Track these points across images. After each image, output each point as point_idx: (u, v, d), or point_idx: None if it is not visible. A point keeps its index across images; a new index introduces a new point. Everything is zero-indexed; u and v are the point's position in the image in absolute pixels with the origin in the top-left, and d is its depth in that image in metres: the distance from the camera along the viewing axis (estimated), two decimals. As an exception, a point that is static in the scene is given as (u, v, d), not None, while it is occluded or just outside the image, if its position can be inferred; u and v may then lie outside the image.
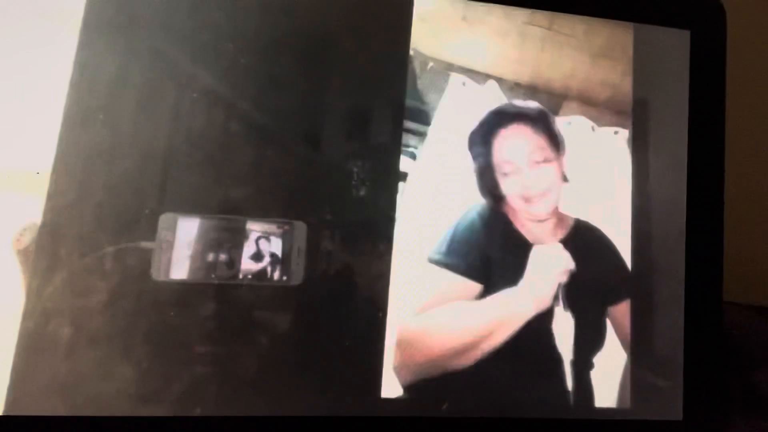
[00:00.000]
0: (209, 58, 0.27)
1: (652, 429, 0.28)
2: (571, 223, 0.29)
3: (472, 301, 0.27)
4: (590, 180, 0.29)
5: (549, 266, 0.27)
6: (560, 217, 0.29)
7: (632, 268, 0.29)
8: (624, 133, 0.30)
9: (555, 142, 0.29)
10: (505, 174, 0.28)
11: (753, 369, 0.34)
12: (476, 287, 0.27)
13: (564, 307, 0.27)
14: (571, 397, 0.27)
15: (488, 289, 0.27)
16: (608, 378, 0.28)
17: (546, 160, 0.29)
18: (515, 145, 0.29)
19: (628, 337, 0.28)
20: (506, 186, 0.28)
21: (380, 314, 0.26)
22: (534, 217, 0.28)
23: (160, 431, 0.24)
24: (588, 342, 0.27)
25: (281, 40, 0.27)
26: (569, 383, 0.27)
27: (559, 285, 0.27)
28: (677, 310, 0.29)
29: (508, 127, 0.29)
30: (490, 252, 0.27)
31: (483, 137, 0.28)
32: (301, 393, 0.25)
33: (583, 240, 0.29)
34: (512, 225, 0.28)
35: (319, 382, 0.26)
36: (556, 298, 0.27)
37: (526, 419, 0.27)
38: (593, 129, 0.30)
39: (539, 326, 0.27)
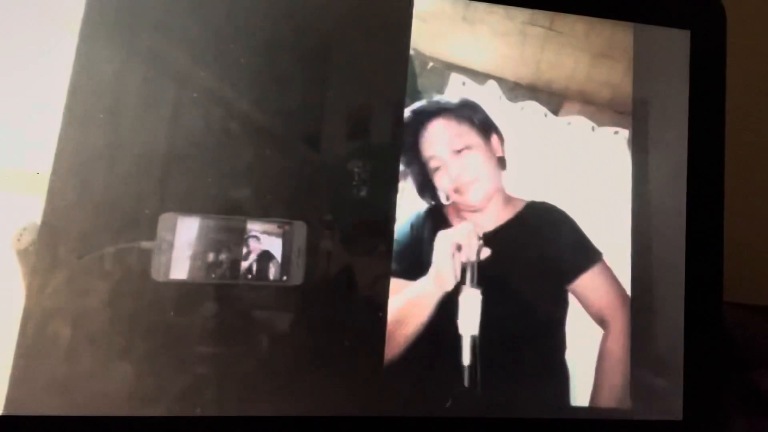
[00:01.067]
0: (209, 58, 0.27)
1: (652, 429, 0.28)
2: (521, 205, 0.29)
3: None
4: (590, 180, 0.29)
5: (443, 246, 0.27)
6: (508, 201, 0.29)
7: (632, 268, 0.29)
8: (624, 133, 0.30)
9: (479, 129, 0.29)
10: (434, 170, 0.28)
11: (753, 369, 0.34)
12: (409, 284, 0.27)
13: (472, 284, 0.27)
14: (466, 373, 0.27)
15: None
16: (586, 363, 0.28)
17: (467, 147, 0.28)
18: (435, 139, 0.28)
19: (598, 312, 0.28)
20: (437, 182, 0.28)
21: (380, 314, 0.26)
22: (469, 206, 0.28)
23: (160, 431, 0.24)
24: (511, 319, 0.27)
25: (281, 40, 0.27)
26: (466, 358, 0.27)
27: (468, 263, 0.27)
28: (677, 310, 0.29)
29: (428, 124, 0.28)
30: (422, 251, 0.27)
31: (408, 141, 0.28)
32: (301, 393, 0.25)
33: (531, 220, 0.28)
34: (446, 221, 0.28)
35: (319, 382, 0.26)
36: (463, 277, 0.27)
37: (526, 419, 0.27)
38: (593, 129, 0.30)
39: (449, 307, 0.27)
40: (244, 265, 0.26)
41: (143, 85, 0.26)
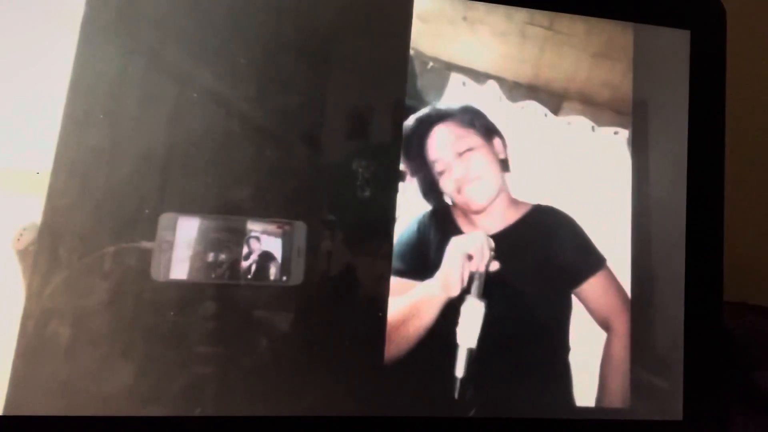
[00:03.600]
0: (209, 58, 0.27)
1: (652, 429, 0.28)
2: (526, 209, 0.29)
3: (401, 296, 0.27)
4: (590, 180, 0.29)
5: (455, 253, 0.28)
6: (512, 204, 0.29)
7: (632, 268, 0.29)
8: (624, 133, 0.30)
9: (481, 132, 0.29)
10: (440, 173, 0.28)
11: (753, 369, 0.34)
12: (415, 285, 0.27)
13: (477, 295, 0.27)
14: (457, 386, 0.27)
15: None
16: (593, 370, 0.28)
17: (470, 149, 0.29)
18: (439, 144, 0.29)
19: (603, 316, 0.28)
20: (443, 185, 0.28)
21: (380, 314, 0.26)
22: (471, 207, 0.28)
23: (160, 431, 0.24)
24: (509, 333, 0.27)
25: (281, 40, 0.27)
26: (459, 371, 0.27)
27: (476, 273, 0.27)
28: (677, 310, 0.29)
29: (431, 130, 0.29)
30: (429, 252, 0.27)
31: (414, 147, 0.28)
32: (301, 393, 0.25)
33: (536, 224, 0.28)
34: (453, 223, 0.28)
35: (319, 382, 0.26)
36: (469, 287, 0.27)
37: (526, 419, 0.27)
38: (593, 129, 0.30)
39: (450, 314, 0.27)
40: (244, 265, 0.26)
41: (143, 85, 0.26)
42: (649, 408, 0.28)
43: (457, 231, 0.28)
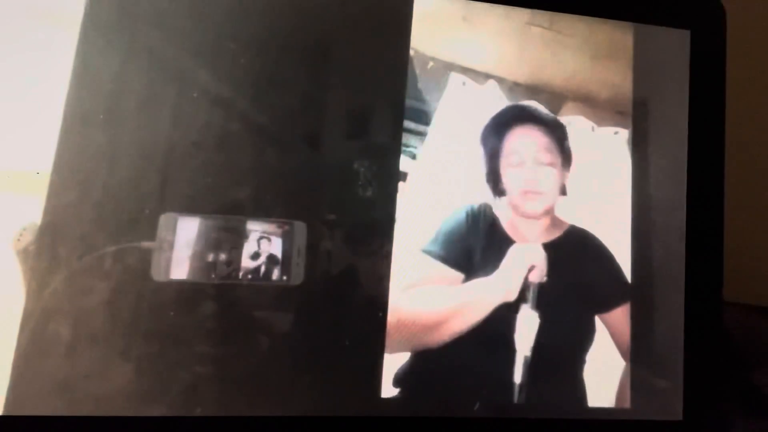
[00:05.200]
0: (209, 58, 0.27)
1: (652, 429, 0.28)
2: (565, 228, 0.29)
3: (449, 286, 0.28)
4: (590, 180, 0.29)
5: (519, 261, 0.28)
6: (555, 222, 0.29)
7: (632, 268, 0.29)
8: (624, 133, 0.30)
9: (563, 154, 0.29)
10: (510, 165, 0.29)
11: (753, 369, 0.34)
12: (458, 276, 0.28)
13: (532, 306, 0.28)
14: (516, 391, 0.27)
15: (468, 279, 0.28)
16: (604, 381, 0.28)
17: (551, 164, 0.29)
18: (526, 141, 0.29)
19: (626, 345, 0.28)
20: (508, 178, 0.29)
21: (380, 314, 0.26)
22: (526, 213, 0.29)
23: (160, 431, 0.24)
24: (555, 343, 0.28)
25: (281, 39, 0.27)
26: (517, 377, 0.27)
27: (532, 284, 0.28)
28: (677, 310, 0.29)
29: (525, 124, 0.29)
30: (475, 246, 0.28)
31: (497, 128, 0.29)
32: (301, 393, 0.25)
33: (574, 245, 0.29)
34: (499, 224, 0.28)
35: (319, 382, 0.26)
36: (525, 296, 0.28)
37: (527, 419, 0.27)
38: (593, 129, 0.30)
39: (504, 318, 0.28)
40: (245, 265, 0.26)
41: (143, 85, 0.26)
42: (649, 408, 0.28)
43: (504, 236, 0.28)
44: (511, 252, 0.28)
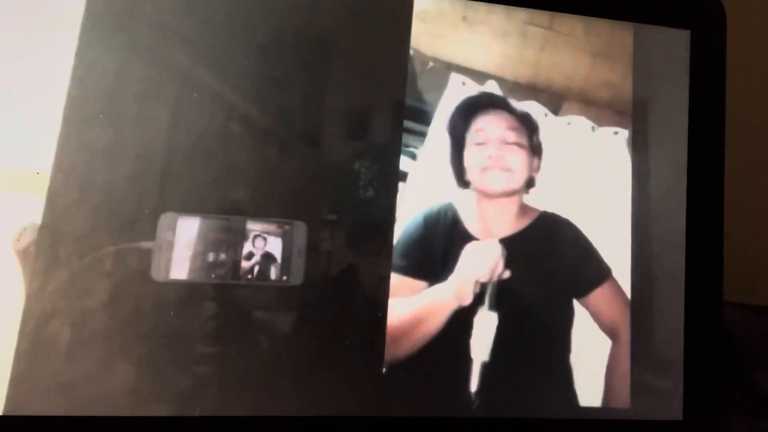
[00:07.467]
0: (209, 58, 0.27)
1: (652, 429, 0.28)
2: (534, 215, 0.29)
3: (408, 297, 0.27)
4: (590, 180, 0.29)
5: (474, 263, 0.27)
6: (524, 210, 0.29)
7: (632, 268, 0.29)
8: (624, 133, 0.30)
9: (534, 143, 0.29)
10: (477, 144, 0.28)
11: (753, 369, 0.34)
12: (420, 285, 0.27)
13: (489, 306, 0.27)
14: (473, 398, 0.27)
15: (431, 285, 0.27)
16: (592, 370, 0.28)
17: (517, 144, 0.29)
18: (495, 121, 0.29)
19: (609, 324, 0.28)
20: (471, 156, 0.28)
21: (380, 314, 0.26)
22: (489, 191, 0.28)
23: (160, 431, 0.24)
24: (518, 343, 0.27)
25: (281, 40, 0.27)
26: (473, 384, 0.27)
27: (487, 284, 0.27)
28: (677, 310, 0.29)
29: (493, 109, 0.29)
30: (436, 250, 0.27)
31: (464, 112, 0.29)
32: (301, 393, 0.25)
33: (543, 231, 0.29)
34: (461, 222, 0.28)
35: (319, 382, 0.26)
36: (482, 298, 0.27)
37: (527, 419, 0.27)
38: (593, 129, 0.30)
39: (461, 324, 0.27)
40: (245, 265, 0.26)
41: (143, 85, 0.26)
42: (649, 408, 0.28)
43: (465, 233, 0.28)
44: (464, 253, 0.28)
